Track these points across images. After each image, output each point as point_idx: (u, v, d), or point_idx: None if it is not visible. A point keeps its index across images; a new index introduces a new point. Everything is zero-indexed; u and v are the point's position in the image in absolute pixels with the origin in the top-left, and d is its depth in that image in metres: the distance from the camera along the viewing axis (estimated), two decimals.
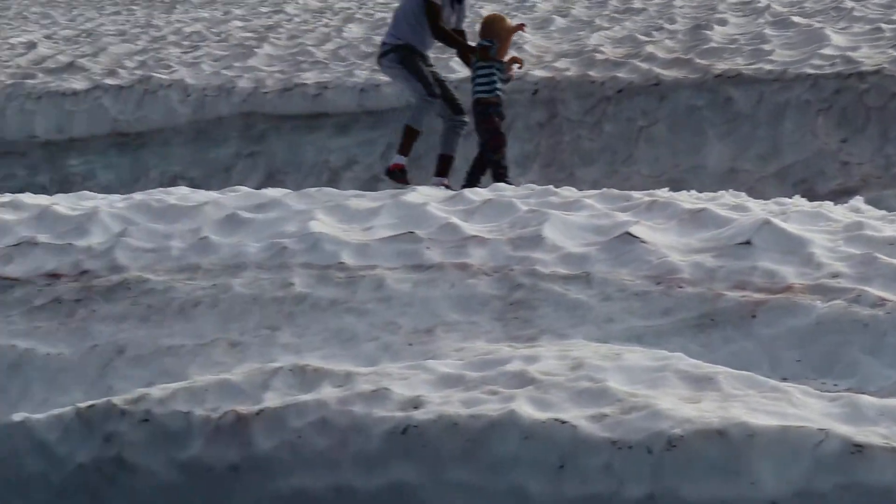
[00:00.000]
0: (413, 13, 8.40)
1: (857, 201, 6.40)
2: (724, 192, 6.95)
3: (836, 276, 5.07)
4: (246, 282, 5.76)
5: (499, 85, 8.30)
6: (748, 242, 5.53)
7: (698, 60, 10.47)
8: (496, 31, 8.48)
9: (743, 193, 7.00)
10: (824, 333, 4.64)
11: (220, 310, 5.54)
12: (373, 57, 12.47)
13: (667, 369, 4.38)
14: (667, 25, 12.50)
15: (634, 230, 5.87)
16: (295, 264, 5.90)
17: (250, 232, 6.46)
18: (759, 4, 12.98)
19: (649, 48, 11.27)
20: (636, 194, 6.86)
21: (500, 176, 8.22)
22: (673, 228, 6.03)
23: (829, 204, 6.31)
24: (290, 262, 5.93)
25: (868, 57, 9.57)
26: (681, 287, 5.24)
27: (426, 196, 6.99)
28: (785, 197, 7.07)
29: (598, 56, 11.22)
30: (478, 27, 8.89)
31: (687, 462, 3.67)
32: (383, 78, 11.56)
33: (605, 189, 7.20)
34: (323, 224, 6.38)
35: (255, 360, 5.06)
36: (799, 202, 6.50)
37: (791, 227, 5.64)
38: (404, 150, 8.52)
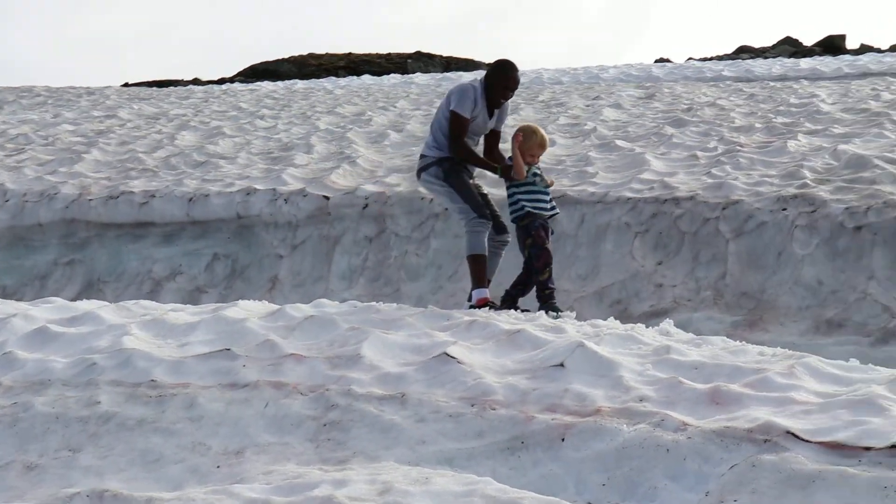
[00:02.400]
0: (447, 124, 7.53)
1: (668, 324, 6.59)
2: (542, 312, 7.08)
3: (642, 399, 5.17)
4: (49, 400, 5.53)
5: (525, 199, 7.38)
6: (561, 365, 5.62)
7: None
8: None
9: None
10: (629, 457, 4.71)
11: (19, 430, 5.29)
12: (250, 174, 12.39)
13: (474, 494, 4.36)
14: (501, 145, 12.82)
15: (451, 350, 5.91)
16: (103, 381, 5.71)
17: (59, 346, 6.24)
18: (587, 127, 13.47)
19: None
20: (457, 313, 6.93)
21: (547, 297, 7.37)
22: (491, 349, 6.10)
23: (640, 327, 6.48)
24: (98, 379, 5.74)
25: (684, 183, 9.99)
26: (494, 409, 5.26)
27: (247, 311, 6.90)
28: (601, 318, 7.24)
29: None
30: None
31: None
32: (212, 188, 11.49)
33: (428, 307, 7.25)
34: (136, 339, 6.22)
35: (53, 485, 4.83)
36: (613, 324, 6.66)
37: (603, 351, 5.76)
38: (479, 281, 7.49)
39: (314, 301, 7.47)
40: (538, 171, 7.52)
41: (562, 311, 7.19)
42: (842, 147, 10.31)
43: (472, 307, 7.34)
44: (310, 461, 5.02)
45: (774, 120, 12.73)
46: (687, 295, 8.56)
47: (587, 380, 5.48)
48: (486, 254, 7.49)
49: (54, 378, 5.74)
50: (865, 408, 4.72)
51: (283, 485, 4.64)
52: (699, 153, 11.16)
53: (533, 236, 7.36)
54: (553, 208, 7.57)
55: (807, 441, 4.49)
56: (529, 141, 7.46)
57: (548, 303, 7.31)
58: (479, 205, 7.39)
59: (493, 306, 7.31)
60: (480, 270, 7.41)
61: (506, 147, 7.94)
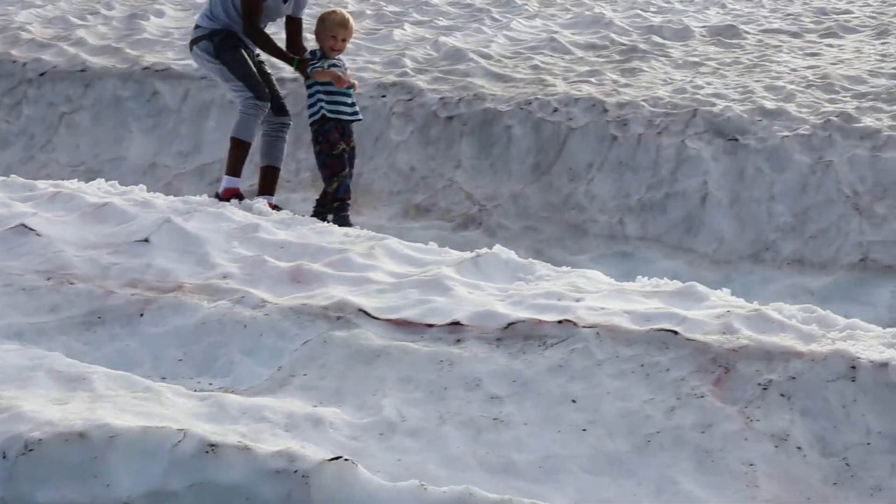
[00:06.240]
0: None
1: (259, 202, 6.62)
2: (135, 186, 6.90)
3: (226, 276, 5.21)
4: None
5: (325, 100, 6.70)
6: (146, 240, 5.54)
7: (128, 50, 10.38)
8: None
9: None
10: (207, 333, 4.74)
11: None
12: None
13: (40, 369, 4.24)
14: (103, 11, 12.26)
15: (30, 222, 5.67)
16: None
17: None
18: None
19: (80, 32, 11.00)
20: (41, 184, 6.63)
21: (337, 209, 6.74)
22: (75, 222, 5.90)
23: (232, 206, 6.45)
24: None
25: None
26: (72, 283, 5.12)
27: None
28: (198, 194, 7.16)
29: (25, 35, 10.76)
30: None
31: (44, 466, 3.56)
32: None
33: (11, 177, 6.88)
34: None
35: None
36: (207, 200, 6.62)
37: (191, 227, 5.73)
38: (234, 169, 6.76)
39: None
40: (340, 64, 6.87)
41: (354, 225, 6.58)
42: (442, 39, 10.69)
43: (218, 197, 6.70)
44: None
45: (385, 8, 12.96)
46: (286, 176, 8.62)
47: (172, 256, 5.45)
48: (252, 141, 6.83)
49: None
50: (433, 287, 5.01)
51: None
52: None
53: (321, 143, 6.75)
54: (355, 114, 6.99)
55: (376, 318, 4.71)
56: (325, 22, 6.74)
57: (339, 215, 6.72)
58: (256, 83, 6.61)
59: (241, 198, 6.69)
60: (238, 158, 6.64)
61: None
